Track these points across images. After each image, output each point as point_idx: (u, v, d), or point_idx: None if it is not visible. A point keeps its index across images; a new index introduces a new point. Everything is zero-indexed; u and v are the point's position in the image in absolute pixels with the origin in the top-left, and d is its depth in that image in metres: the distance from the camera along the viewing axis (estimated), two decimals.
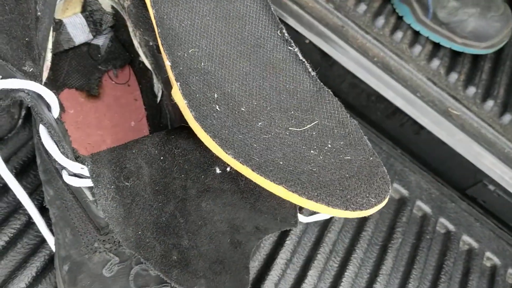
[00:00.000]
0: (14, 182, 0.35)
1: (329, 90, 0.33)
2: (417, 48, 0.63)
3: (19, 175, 0.40)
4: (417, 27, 0.63)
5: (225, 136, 0.29)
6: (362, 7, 0.63)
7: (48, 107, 0.30)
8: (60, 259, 0.34)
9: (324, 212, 0.27)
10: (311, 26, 0.61)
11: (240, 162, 0.28)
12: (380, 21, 0.63)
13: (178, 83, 0.31)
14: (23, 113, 0.42)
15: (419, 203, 0.54)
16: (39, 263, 0.37)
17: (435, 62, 0.63)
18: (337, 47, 0.61)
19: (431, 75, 0.63)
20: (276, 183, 0.27)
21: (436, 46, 0.64)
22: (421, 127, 0.61)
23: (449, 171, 0.63)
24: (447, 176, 0.62)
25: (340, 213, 0.27)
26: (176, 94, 0.31)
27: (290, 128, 0.31)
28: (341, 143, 0.30)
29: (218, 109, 0.30)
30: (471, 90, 0.63)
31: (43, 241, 0.38)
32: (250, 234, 0.35)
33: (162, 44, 0.32)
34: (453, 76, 0.63)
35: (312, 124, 0.31)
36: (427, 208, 0.54)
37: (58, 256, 0.35)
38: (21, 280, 0.36)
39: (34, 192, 0.39)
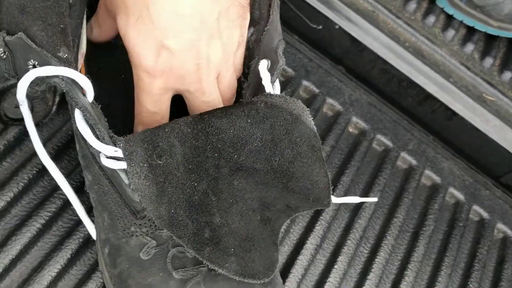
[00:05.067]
0: (53, 167, 0.36)
1: None
2: (450, 33, 0.61)
3: (53, 160, 0.41)
4: (450, 10, 0.61)
5: None
6: None
7: (83, 92, 0.31)
8: (101, 242, 0.35)
9: None
10: (341, 12, 0.61)
11: None
12: (412, 5, 0.62)
13: None
14: (57, 99, 0.43)
15: (451, 190, 0.53)
16: (74, 245, 0.38)
17: (469, 47, 0.61)
18: (367, 32, 0.60)
19: (465, 60, 0.61)
20: None
21: (471, 30, 0.62)
22: (454, 113, 0.60)
23: (483, 158, 0.61)
24: (480, 163, 0.61)
25: None
26: None
27: None
28: None
29: None
30: (507, 75, 0.61)
31: (77, 224, 0.39)
32: (280, 211, 0.35)
33: None
34: (488, 61, 0.61)
35: None
36: (460, 195, 0.53)
37: (99, 239, 0.36)
38: (57, 261, 0.38)
39: (68, 177, 0.40)
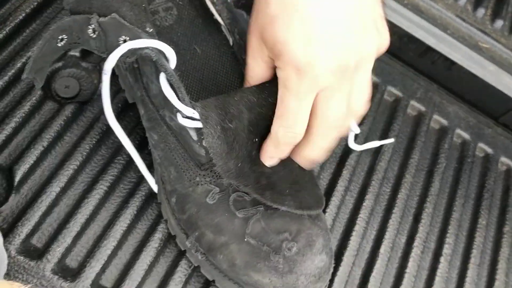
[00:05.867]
0: (118, 127, 0.41)
1: None
2: None
3: (105, 134, 0.46)
4: None
5: None
6: None
7: (167, 60, 0.35)
8: (167, 193, 0.40)
9: None
10: None
11: None
12: None
13: None
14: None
15: (458, 131, 0.58)
16: (138, 203, 0.43)
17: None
18: None
19: (459, 12, 0.66)
20: None
21: None
22: (452, 63, 0.65)
23: (482, 102, 0.67)
24: (480, 106, 0.66)
25: None
26: None
27: None
28: None
29: None
30: (499, 23, 0.66)
31: (137, 185, 0.44)
32: None
33: None
34: (481, 11, 0.66)
35: None
36: (466, 135, 0.58)
37: (164, 191, 0.41)
38: (126, 218, 0.42)
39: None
